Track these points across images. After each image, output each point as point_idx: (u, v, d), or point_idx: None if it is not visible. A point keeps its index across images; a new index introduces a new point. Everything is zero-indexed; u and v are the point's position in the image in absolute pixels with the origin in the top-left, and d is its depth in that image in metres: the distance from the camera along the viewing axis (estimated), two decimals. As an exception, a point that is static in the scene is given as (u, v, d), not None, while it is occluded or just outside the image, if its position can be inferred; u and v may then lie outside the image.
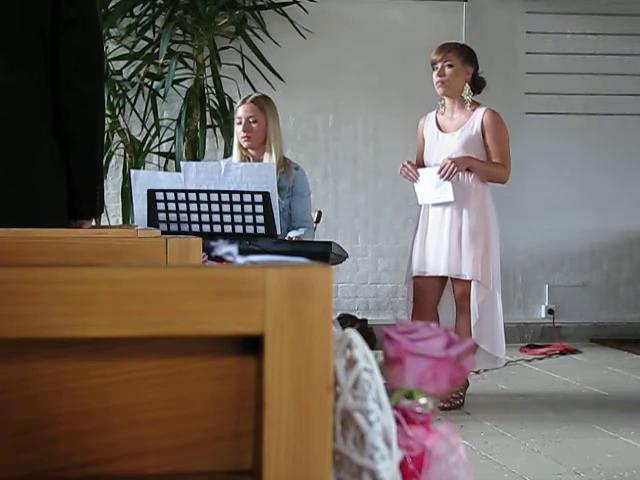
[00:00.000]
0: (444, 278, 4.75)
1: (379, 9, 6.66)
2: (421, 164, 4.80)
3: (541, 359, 6.23)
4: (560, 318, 6.91)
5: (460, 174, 4.62)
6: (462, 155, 4.62)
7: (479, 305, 4.61)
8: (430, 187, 4.65)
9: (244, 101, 4.63)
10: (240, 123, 4.56)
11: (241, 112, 4.58)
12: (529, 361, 6.14)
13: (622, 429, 4.28)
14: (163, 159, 6.27)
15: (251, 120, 4.54)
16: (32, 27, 2.52)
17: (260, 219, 3.87)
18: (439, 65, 4.69)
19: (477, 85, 4.76)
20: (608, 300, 7.03)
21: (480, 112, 4.70)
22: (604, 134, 6.93)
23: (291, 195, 4.55)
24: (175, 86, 6.15)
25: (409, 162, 4.72)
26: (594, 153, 6.93)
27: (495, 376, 5.59)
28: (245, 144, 4.55)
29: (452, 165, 4.55)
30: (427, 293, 4.75)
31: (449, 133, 4.73)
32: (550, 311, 6.91)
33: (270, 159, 4.47)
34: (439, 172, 4.58)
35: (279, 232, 3.94)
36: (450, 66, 4.67)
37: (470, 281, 4.62)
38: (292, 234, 4.34)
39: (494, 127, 4.68)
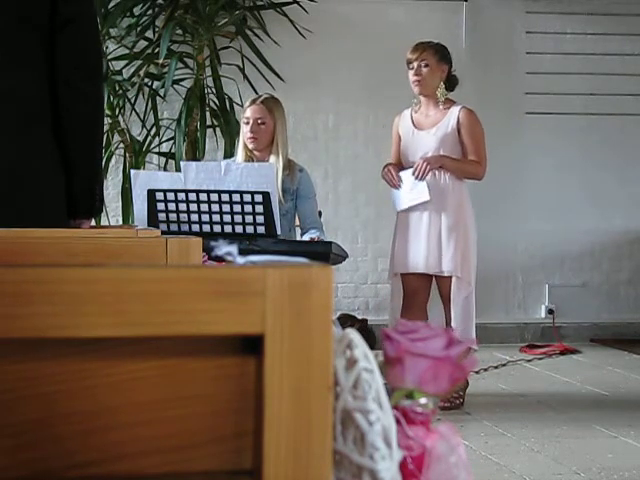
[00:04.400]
0: (431, 277, 4.78)
1: (379, 9, 6.66)
2: (398, 162, 4.83)
3: (541, 359, 6.23)
4: (560, 318, 6.91)
5: (436, 173, 4.67)
6: (436, 153, 4.67)
7: (461, 300, 4.66)
8: (405, 190, 4.70)
9: (254, 101, 4.56)
10: (248, 123, 4.50)
11: (249, 113, 4.51)
12: (529, 361, 6.14)
13: (622, 429, 4.28)
14: (163, 159, 6.27)
15: (259, 122, 4.48)
16: (30, 27, 2.52)
17: (260, 219, 3.87)
18: (415, 64, 4.73)
19: (451, 83, 4.81)
20: (608, 300, 7.02)
21: (456, 110, 4.74)
22: (604, 134, 6.93)
23: (296, 197, 4.53)
24: (175, 86, 6.15)
25: (393, 167, 4.76)
26: (594, 153, 6.93)
27: (495, 376, 5.59)
28: (251, 145, 4.49)
29: (425, 164, 4.61)
30: (417, 292, 4.78)
31: (424, 131, 4.77)
32: (550, 311, 6.91)
33: (276, 161, 4.45)
34: (413, 172, 4.63)
35: (279, 232, 3.94)
36: (426, 65, 4.71)
37: (452, 278, 4.67)
38: (308, 236, 4.34)
39: (470, 125, 4.73)
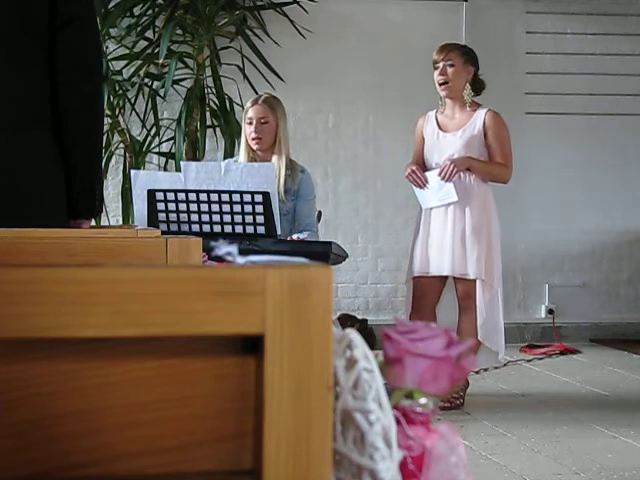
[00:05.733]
0: (445, 279, 4.76)
1: (379, 9, 6.66)
2: (420, 163, 4.81)
3: (541, 359, 6.23)
4: (560, 318, 6.91)
5: (462, 174, 4.65)
6: (462, 155, 4.65)
7: (485, 304, 4.63)
8: (432, 190, 4.67)
9: (255, 101, 4.55)
10: (251, 124, 4.49)
11: (252, 113, 4.50)
12: (529, 361, 6.14)
13: (622, 429, 4.28)
14: (163, 159, 6.27)
15: (262, 121, 4.47)
16: (30, 27, 2.52)
17: (260, 219, 3.87)
18: (440, 65, 4.70)
19: (477, 86, 4.78)
20: (608, 300, 7.02)
21: (482, 113, 4.72)
22: (604, 134, 6.93)
23: (296, 198, 4.52)
24: (175, 86, 6.15)
25: (417, 168, 4.72)
26: (594, 153, 6.93)
27: (495, 376, 5.59)
28: (255, 146, 4.48)
29: (452, 166, 4.58)
30: (427, 294, 4.76)
31: (450, 133, 4.74)
32: (550, 311, 6.91)
33: (279, 161, 4.44)
34: (439, 174, 4.61)
35: (279, 233, 3.94)
36: (452, 65, 4.69)
37: (474, 280, 4.64)
38: (296, 237, 4.33)
39: (496, 128, 4.71)
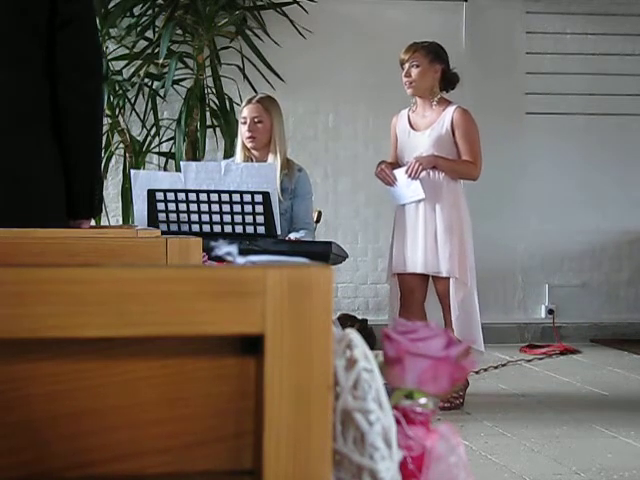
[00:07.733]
0: (427, 276, 4.77)
1: (379, 9, 6.66)
2: (396, 162, 4.83)
3: (541, 359, 6.23)
4: (560, 318, 6.91)
5: (431, 172, 4.66)
6: (429, 154, 4.65)
7: (459, 302, 4.63)
8: (401, 188, 4.70)
9: (249, 101, 4.58)
10: (245, 123, 4.51)
11: (246, 112, 4.53)
12: (529, 361, 6.14)
13: (622, 429, 4.28)
14: (163, 159, 6.28)
15: (256, 120, 4.49)
16: (29, 27, 2.52)
17: (260, 219, 3.87)
18: (406, 65, 4.72)
19: (450, 81, 4.77)
20: (608, 300, 7.02)
21: (450, 110, 4.72)
22: (604, 134, 6.93)
23: (293, 197, 4.53)
24: (175, 86, 6.16)
25: (386, 165, 4.74)
26: (594, 153, 6.93)
27: (495, 376, 5.59)
28: (249, 145, 4.50)
29: (417, 164, 4.60)
30: (413, 290, 4.77)
31: (420, 131, 4.76)
32: (550, 311, 6.91)
33: (274, 160, 4.45)
34: (406, 172, 4.62)
35: (279, 232, 3.94)
36: (417, 66, 4.70)
37: (448, 278, 4.65)
38: (293, 236, 4.34)
39: (464, 125, 4.69)
